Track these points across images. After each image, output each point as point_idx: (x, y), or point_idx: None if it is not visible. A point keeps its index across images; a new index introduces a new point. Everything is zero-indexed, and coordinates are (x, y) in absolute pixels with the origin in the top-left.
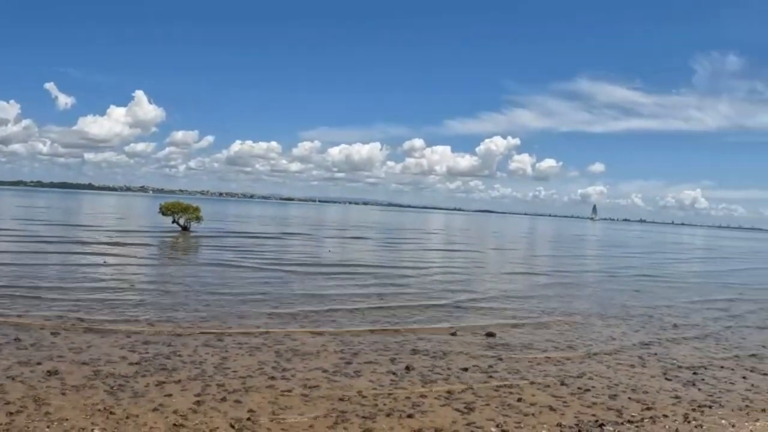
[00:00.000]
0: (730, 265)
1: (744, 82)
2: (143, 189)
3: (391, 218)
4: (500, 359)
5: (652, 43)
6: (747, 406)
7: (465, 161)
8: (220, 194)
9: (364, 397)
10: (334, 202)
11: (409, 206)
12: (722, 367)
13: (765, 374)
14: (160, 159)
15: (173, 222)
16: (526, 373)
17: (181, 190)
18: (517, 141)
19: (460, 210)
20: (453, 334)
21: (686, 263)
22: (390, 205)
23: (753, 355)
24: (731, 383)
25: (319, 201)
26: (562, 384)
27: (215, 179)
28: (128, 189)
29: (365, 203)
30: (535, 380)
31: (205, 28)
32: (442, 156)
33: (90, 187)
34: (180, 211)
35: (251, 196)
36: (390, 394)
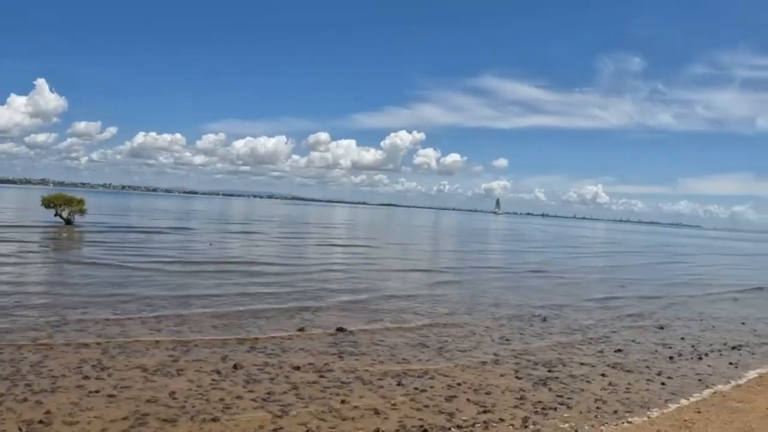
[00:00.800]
0: (624, 259)
1: (646, 83)
2: (44, 182)
3: (293, 212)
4: (341, 357)
5: (558, 42)
6: (598, 408)
7: (370, 155)
8: (123, 187)
9: (174, 398)
10: (239, 195)
11: (314, 200)
12: (582, 363)
13: (628, 371)
14: (62, 150)
15: (56, 215)
16: (363, 372)
17: (83, 183)
18: (422, 135)
19: (364, 204)
20: (301, 330)
21: (584, 258)
22: (295, 198)
23: (619, 351)
24: (588, 381)
25: (223, 195)
26: (399, 384)
27: (118, 172)
28: (28, 182)
29: (270, 197)
30: (370, 380)
31: (111, 15)
32: (347, 150)
33: None
34: (63, 204)
35: (154, 190)
36: (204, 394)
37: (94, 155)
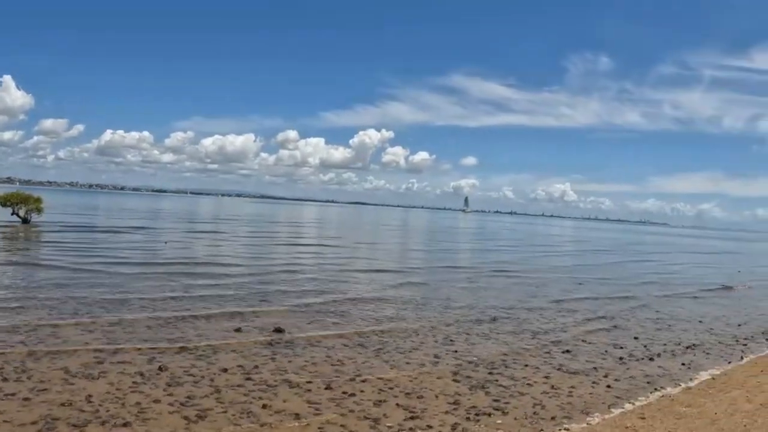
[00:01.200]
0: (591, 258)
1: (614, 82)
2: (9, 180)
3: (260, 211)
4: (273, 359)
5: (527, 41)
6: (535, 413)
7: (339, 153)
8: (90, 186)
9: (90, 402)
10: (208, 194)
11: (283, 198)
12: (526, 365)
13: (573, 373)
14: (28, 148)
15: (13, 214)
16: (292, 374)
17: (49, 182)
18: (391, 134)
19: (333, 202)
20: (237, 330)
21: (551, 257)
22: (263, 197)
23: (567, 352)
24: (529, 385)
25: (192, 193)
26: (327, 388)
27: (85, 170)
28: None
29: (239, 195)
30: (298, 383)
31: (78, 12)
32: (315, 148)
33: None
34: (19, 202)
35: (122, 188)
36: (122, 398)
37: (61, 153)
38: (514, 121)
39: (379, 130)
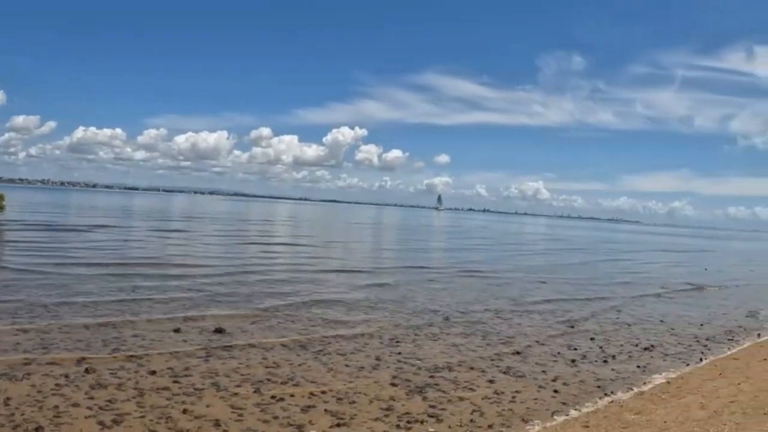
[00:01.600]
0: (561, 257)
1: (587, 81)
2: None
3: (232, 208)
4: (207, 360)
5: (501, 40)
6: (472, 421)
7: (312, 151)
8: (62, 183)
9: (7, 405)
10: (180, 191)
11: (256, 196)
12: (472, 368)
13: (520, 376)
14: (0, 146)
15: None
16: (223, 377)
17: (21, 179)
18: (364, 131)
19: (306, 200)
20: (176, 331)
21: (523, 256)
22: (236, 194)
23: (517, 353)
24: (471, 389)
25: (164, 190)
26: (256, 391)
27: (57, 167)
28: None
29: (212, 193)
30: (226, 386)
31: (51, 9)
32: (289, 145)
33: None
34: None
35: (94, 186)
36: (41, 401)
37: (33, 150)
38: (488, 120)
39: (352, 128)
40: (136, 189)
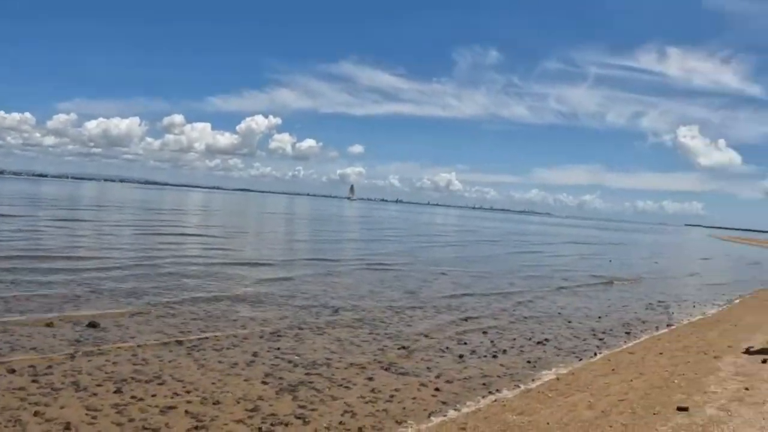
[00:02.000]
0: (473, 250)
1: (502, 76)
2: None
3: (141, 196)
4: (73, 357)
5: (417, 32)
6: (341, 423)
7: (225, 139)
8: None
9: None
10: (90, 178)
11: (168, 184)
12: (352, 364)
13: (402, 373)
14: None
15: None
16: (85, 376)
17: None
18: (278, 120)
19: (219, 188)
20: (48, 325)
21: (435, 248)
22: (148, 182)
23: (403, 348)
24: (347, 387)
25: (73, 178)
26: (117, 391)
27: None
28: None
29: (122, 180)
30: (87, 386)
31: None
32: (202, 133)
33: None
34: None
35: (1, 172)
36: None
37: None
38: (402, 111)
39: (266, 117)
40: (45, 176)
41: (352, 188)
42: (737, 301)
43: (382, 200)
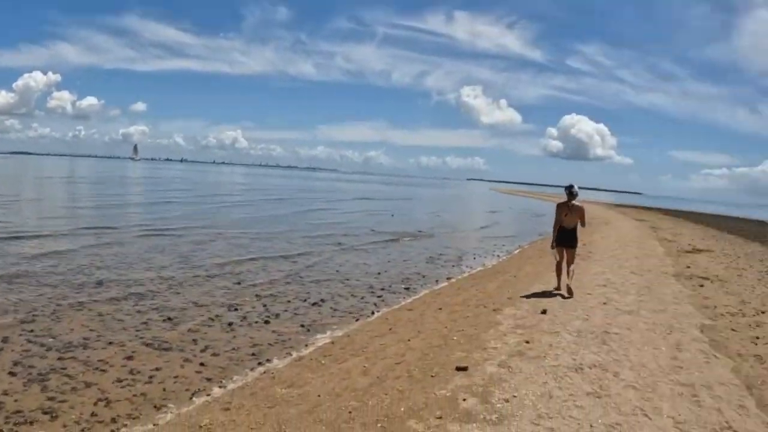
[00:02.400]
0: (259, 210)
1: (290, 33)
2: None
3: None
4: None
5: None
6: (94, 414)
7: (1, 98)
8: None
9: None
10: None
11: None
12: (111, 342)
13: (166, 349)
14: None
15: None
16: None
17: None
18: (58, 77)
19: None
20: None
21: (223, 209)
22: None
23: (169, 320)
24: (103, 370)
25: None
26: None
27: None
28: None
29: None
30: None
31: None
32: None
33: None
34: None
35: None
36: None
37: None
38: (187, 66)
39: (45, 73)
40: None
41: (135, 148)
42: (517, 252)
43: (167, 160)
